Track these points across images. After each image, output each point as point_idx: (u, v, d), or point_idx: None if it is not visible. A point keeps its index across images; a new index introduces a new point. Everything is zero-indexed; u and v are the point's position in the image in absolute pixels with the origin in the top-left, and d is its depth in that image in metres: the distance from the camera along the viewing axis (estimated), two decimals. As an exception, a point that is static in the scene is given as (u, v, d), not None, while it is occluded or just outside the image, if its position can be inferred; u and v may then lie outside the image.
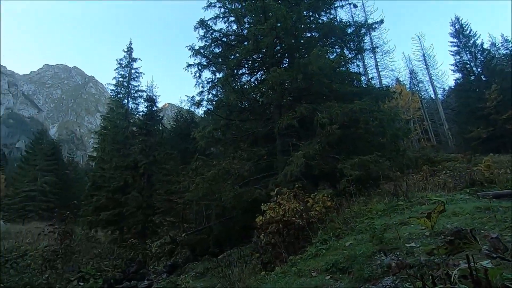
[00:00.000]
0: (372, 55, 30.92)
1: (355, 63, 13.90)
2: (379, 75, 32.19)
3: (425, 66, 40.10)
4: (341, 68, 10.91)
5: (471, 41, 30.41)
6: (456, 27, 32.03)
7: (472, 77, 29.73)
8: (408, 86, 42.81)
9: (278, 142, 10.52)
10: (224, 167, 9.78)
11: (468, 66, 30.26)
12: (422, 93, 43.39)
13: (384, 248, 3.46)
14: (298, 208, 5.84)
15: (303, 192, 7.06)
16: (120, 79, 24.12)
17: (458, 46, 31.49)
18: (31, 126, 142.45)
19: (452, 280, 1.64)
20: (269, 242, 5.55)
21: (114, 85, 24.22)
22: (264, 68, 12.11)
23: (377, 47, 25.89)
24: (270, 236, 5.62)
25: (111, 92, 25.70)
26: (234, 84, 11.16)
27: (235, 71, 12.05)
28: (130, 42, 24.90)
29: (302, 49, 12.01)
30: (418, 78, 43.57)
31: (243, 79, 13.14)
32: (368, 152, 8.40)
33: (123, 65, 24.28)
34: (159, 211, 19.78)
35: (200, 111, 14.28)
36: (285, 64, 12.60)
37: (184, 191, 15.76)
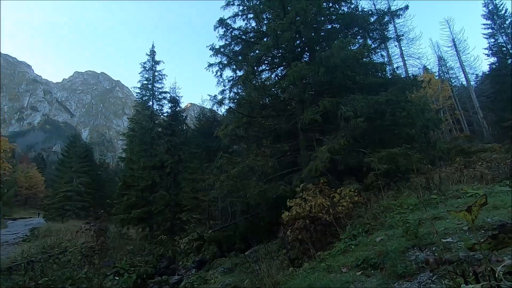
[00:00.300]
0: (397, 43, 29.50)
1: (379, 53, 13.38)
2: (404, 64, 30.74)
3: (455, 52, 37.69)
4: (364, 59, 10.53)
5: (507, 22, 28.19)
6: (490, 7, 29.81)
7: (510, 61, 27.59)
8: (436, 74, 40.51)
9: (301, 138, 10.41)
10: (248, 164, 9.84)
11: (504, 49, 28.10)
12: (453, 81, 40.89)
13: (419, 243, 3.33)
14: (324, 204, 5.76)
15: (328, 187, 6.96)
16: (145, 82, 24.96)
17: (492, 28, 29.31)
18: (65, 130, 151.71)
19: (496, 276, 1.55)
20: (296, 238, 5.53)
21: (139, 88, 25.10)
22: (284, 63, 12.00)
23: (402, 35, 24.58)
24: (297, 232, 5.60)
25: (136, 95, 26.67)
26: (255, 81, 11.16)
27: (256, 68, 12.04)
28: (153, 45, 25.71)
29: (322, 42, 11.76)
30: (447, 65, 41.06)
31: (263, 76, 13.11)
32: (396, 144, 8.09)
33: (147, 68, 25.09)
34: (186, 208, 20.38)
35: (222, 110, 14.48)
36: (305, 58, 12.40)
37: (209, 188, 16.09)
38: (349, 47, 9.25)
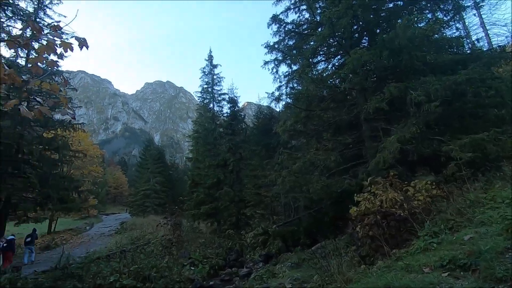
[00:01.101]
0: (476, 11, 25.39)
1: (453, 26, 11.72)
2: (487, 35, 26.24)
3: (557, 11, 30.74)
4: (436, 36, 9.34)
5: None
6: None
7: None
8: (532, 40, 33.65)
9: (364, 128, 9.80)
10: (309, 159, 9.68)
11: None
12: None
13: (522, 243, 2.85)
14: (397, 198, 5.34)
15: (399, 180, 6.42)
16: (205, 86, 26.48)
17: None
18: (141, 136, 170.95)
19: None
20: (367, 234, 5.25)
21: (200, 92, 26.77)
22: (341, 52, 11.43)
23: (482, 0, 21.06)
24: (367, 228, 5.31)
25: (198, 99, 28.49)
26: (311, 74, 10.88)
27: (311, 60, 11.73)
28: (210, 50, 27.07)
29: (383, 23, 10.84)
30: (547, 28, 33.78)
31: (319, 67, 12.70)
32: (482, 129, 7.01)
33: (206, 73, 26.58)
34: (250, 204, 21.06)
35: (280, 106, 14.51)
36: (364, 43, 11.61)
37: (271, 184, 16.33)
38: (416, 25, 8.33)
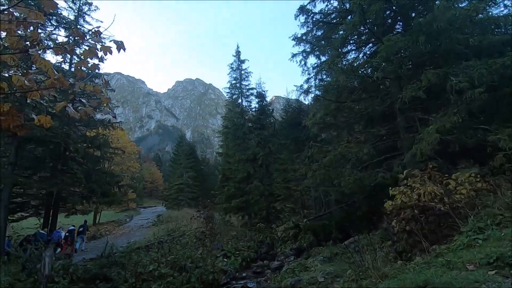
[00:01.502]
0: (528, -15, 22.79)
1: (501, 3, 10.64)
2: (542, 11, 23.53)
3: None
4: (480, 15, 8.56)
5: None
6: None
7: None
8: None
9: (399, 119, 9.32)
10: (340, 152, 9.45)
11: None
12: None
13: None
14: (436, 192, 5.05)
15: (439, 173, 6.05)
16: (233, 82, 26.77)
17: None
18: (173, 133, 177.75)
19: None
20: (403, 229, 5.04)
21: (228, 88, 27.12)
22: (373, 39, 10.91)
23: (536, -27, 18.83)
24: (404, 222, 5.09)
25: (226, 95, 28.92)
26: (341, 64, 10.54)
27: (340, 50, 11.34)
28: (238, 46, 27.25)
29: (419, 6, 10.14)
30: None
31: (349, 57, 12.25)
32: (535, 116, 6.36)
33: (234, 68, 26.81)
34: (280, 198, 21.10)
35: (309, 99, 14.27)
36: (398, 29, 10.98)
37: (300, 178, 16.20)
38: (456, 5, 7.70)
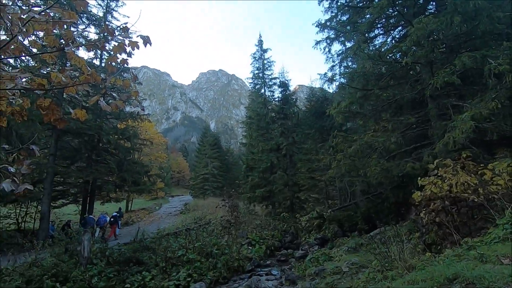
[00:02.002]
0: None
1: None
2: None
3: None
4: (525, -10, 7.78)
5: None
6: None
7: None
8: None
9: (431, 106, 8.84)
10: (366, 141, 9.19)
11: None
12: None
13: None
14: (470, 182, 4.79)
15: (473, 162, 5.72)
16: (256, 72, 26.64)
17: None
18: (198, 124, 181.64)
19: None
20: (433, 220, 4.86)
21: (251, 78, 27.03)
22: (402, 22, 10.33)
23: None
24: (433, 214, 4.91)
25: (249, 85, 28.87)
26: (367, 50, 10.11)
27: (367, 35, 10.86)
28: (260, 35, 27.00)
29: (454, -17, 9.41)
30: None
31: (377, 42, 11.72)
32: None
33: (257, 58, 26.65)
34: (304, 188, 21.04)
35: (333, 87, 13.91)
36: (431, 9, 10.28)
37: (325, 168, 16.00)
38: (497, -20, 7.06)
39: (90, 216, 15.86)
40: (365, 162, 9.19)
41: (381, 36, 11.64)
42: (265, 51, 26.49)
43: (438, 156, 6.99)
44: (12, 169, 2.36)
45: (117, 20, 18.62)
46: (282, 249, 13.19)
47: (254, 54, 26.69)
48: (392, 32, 11.43)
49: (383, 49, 10.84)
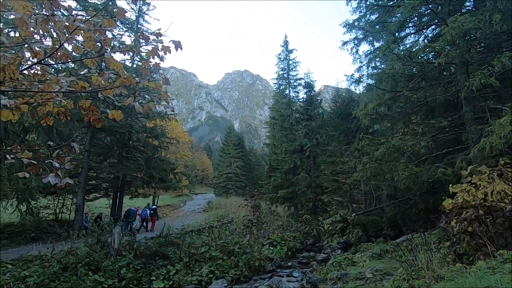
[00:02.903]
0: None
1: None
2: None
3: None
4: None
5: None
6: None
7: None
8: None
9: (466, 109, 8.37)
10: (393, 144, 8.88)
11: None
12: None
13: None
14: (507, 191, 4.51)
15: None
16: (281, 72, 26.59)
17: None
18: (222, 123, 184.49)
19: None
20: (465, 230, 4.62)
21: (276, 78, 27.01)
22: (436, 20, 9.86)
23: None
24: (466, 223, 4.67)
25: (274, 85, 28.86)
26: (397, 50, 9.77)
27: (397, 34, 10.49)
28: (285, 36, 26.89)
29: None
30: None
31: (407, 42, 11.27)
32: None
33: (282, 59, 26.59)
34: (327, 190, 20.69)
35: (359, 88, 13.59)
36: (468, 6, 9.73)
37: (350, 171, 15.65)
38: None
39: (132, 208, 17.11)
40: (392, 166, 8.90)
41: (412, 36, 11.20)
42: (290, 51, 26.38)
43: (472, 162, 6.62)
44: (56, 164, 2.60)
45: (148, 23, 19.46)
46: (304, 251, 13.07)
47: (279, 54, 26.67)
48: (424, 31, 10.95)
49: (414, 49, 10.40)
